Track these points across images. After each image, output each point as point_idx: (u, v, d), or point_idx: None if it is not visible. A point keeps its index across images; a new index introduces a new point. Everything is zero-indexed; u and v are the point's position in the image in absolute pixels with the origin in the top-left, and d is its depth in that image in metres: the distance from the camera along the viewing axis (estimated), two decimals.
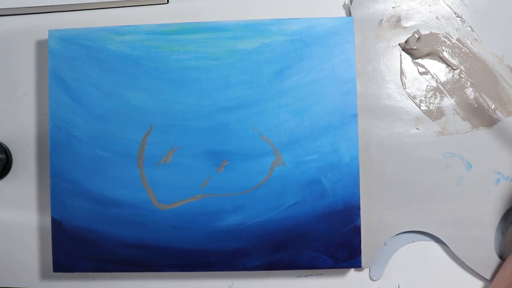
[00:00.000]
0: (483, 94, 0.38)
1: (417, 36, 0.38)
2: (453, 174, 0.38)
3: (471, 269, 0.38)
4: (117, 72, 0.38)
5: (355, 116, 0.37)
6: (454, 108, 0.38)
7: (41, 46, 0.41)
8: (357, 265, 0.37)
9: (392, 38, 0.39)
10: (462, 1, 0.39)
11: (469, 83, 0.38)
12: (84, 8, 0.41)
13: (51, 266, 0.38)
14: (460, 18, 0.39)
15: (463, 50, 0.38)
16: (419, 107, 0.38)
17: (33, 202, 0.41)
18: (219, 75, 0.37)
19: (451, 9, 0.39)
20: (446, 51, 0.38)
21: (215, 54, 0.37)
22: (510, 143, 0.38)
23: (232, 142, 0.37)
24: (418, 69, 0.39)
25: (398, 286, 0.39)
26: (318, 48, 0.37)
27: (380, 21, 0.39)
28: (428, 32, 0.38)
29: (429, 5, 0.39)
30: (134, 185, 0.37)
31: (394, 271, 0.39)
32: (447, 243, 0.38)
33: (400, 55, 0.39)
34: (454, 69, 0.38)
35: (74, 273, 0.39)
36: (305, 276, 0.40)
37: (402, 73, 0.39)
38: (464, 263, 0.38)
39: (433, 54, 0.38)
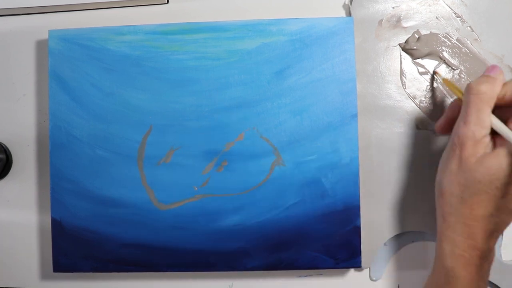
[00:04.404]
0: None
1: (417, 36, 0.38)
2: None
3: None
4: (117, 72, 0.38)
5: (355, 116, 0.37)
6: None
7: (41, 46, 0.41)
8: (357, 265, 0.37)
9: (392, 38, 0.39)
10: (462, 1, 0.39)
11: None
12: (84, 8, 0.41)
13: (51, 266, 0.38)
14: (460, 18, 0.39)
15: (463, 50, 0.38)
16: (419, 107, 0.38)
17: (33, 202, 0.41)
18: (219, 75, 0.37)
19: (451, 9, 0.39)
20: (446, 51, 0.38)
21: (215, 54, 0.37)
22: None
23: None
24: (418, 69, 0.39)
25: (398, 286, 0.39)
26: (318, 48, 0.37)
27: (380, 21, 0.39)
28: (428, 32, 0.38)
29: (429, 5, 0.39)
30: (134, 185, 0.37)
31: (394, 271, 0.39)
32: None
33: (400, 55, 0.39)
34: (454, 69, 0.38)
35: (74, 273, 0.39)
36: (305, 276, 0.40)
37: (402, 73, 0.39)
38: None
39: (433, 54, 0.38)
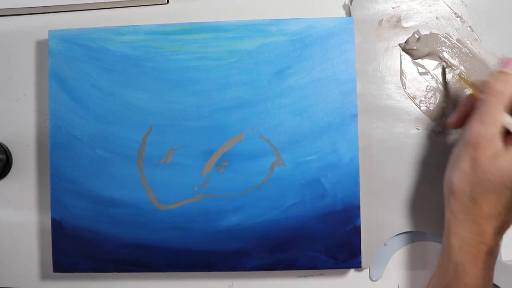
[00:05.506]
0: None
1: (417, 36, 0.38)
2: None
3: None
4: (117, 72, 0.38)
5: (355, 116, 0.37)
6: (454, 108, 0.38)
7: (41, 46, 0.41)
8: (357, 265, 0.37)
9: (392, 38, 0.39)
10: (462, 1, 0.39)
11: None
12: (84, 8, 0.41)
13: (51, 266, 0.38)
14: (460, 18, 0.39)
15: (463, 50, 0.38)
16: (419, 107, 0.38)
17: (33, 202, 0.41)
18: (219, 75, 0.37)
19: (451, 9, 0.39)
20: (446, 51, 0.38)
21: (215, 54, 0.37)
22: None
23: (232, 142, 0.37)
24: (418, 69, 0.39)
25: (398, 286, 0.39)
26: (318, 48, 0.37)
27: (380, 21, 0.39)
28: (428, 32, 0.38)
29: (429, 5, 0.39)
30: (134, 185, 0.37)
31: (394, 271, 0.39)
32: None
33: (400, 55, 0.39)
34: (454, 69, 0.38)
35: (74, 273, 0.39)
36: (305, 276, 0.40)
37: (402, 73, 0.39)
38: None
39: (433, 54, 0.38)
